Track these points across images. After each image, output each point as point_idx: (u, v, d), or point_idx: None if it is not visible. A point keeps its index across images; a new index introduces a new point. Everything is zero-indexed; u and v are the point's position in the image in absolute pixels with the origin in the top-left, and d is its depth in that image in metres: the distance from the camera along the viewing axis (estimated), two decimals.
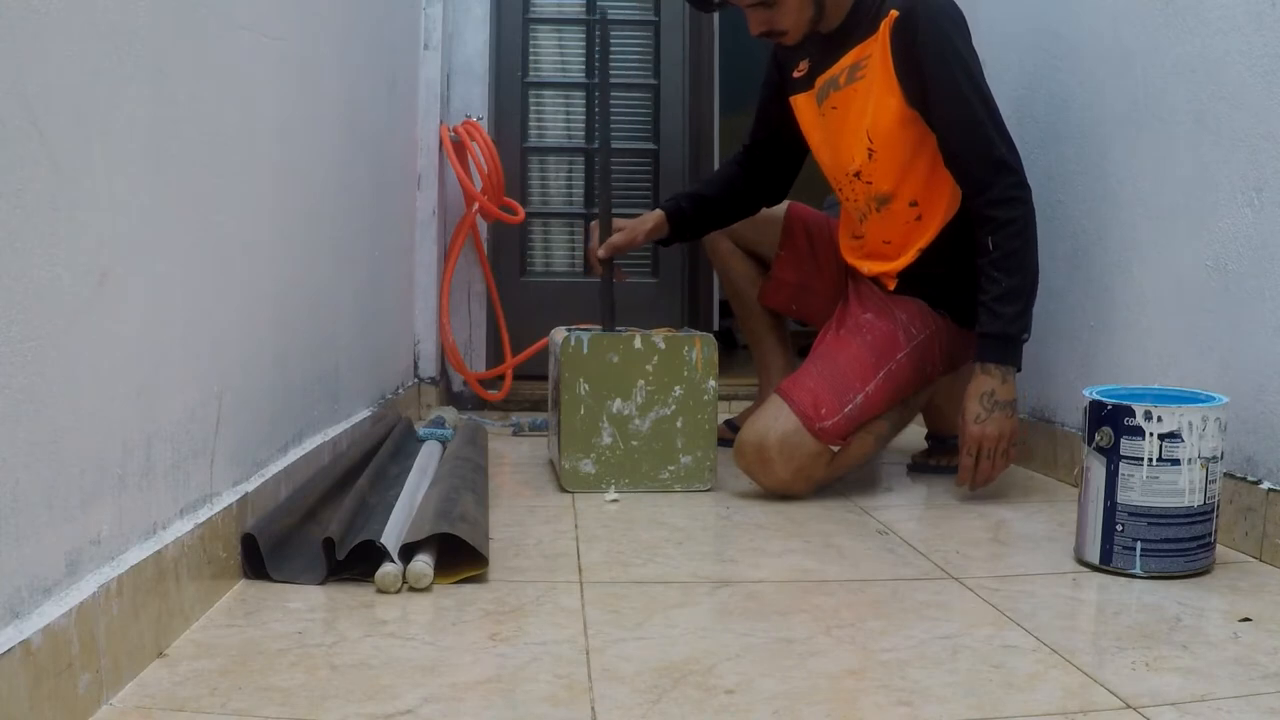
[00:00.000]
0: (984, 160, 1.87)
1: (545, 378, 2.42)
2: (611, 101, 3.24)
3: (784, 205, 2.32)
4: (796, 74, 2.08)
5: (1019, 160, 1.89)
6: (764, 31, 1.95)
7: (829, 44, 1.99)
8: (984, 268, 1.87)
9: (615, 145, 3.23)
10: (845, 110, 1.97)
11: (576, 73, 3.24)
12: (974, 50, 1.90)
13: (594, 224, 2.21)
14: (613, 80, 3.23)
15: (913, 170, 1.95)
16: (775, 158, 2.23)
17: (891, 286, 2.02)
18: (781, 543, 1.65)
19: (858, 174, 2.00)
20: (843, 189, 2.07)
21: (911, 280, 2.01)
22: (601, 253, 2.16)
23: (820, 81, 2.01)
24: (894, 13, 1.87)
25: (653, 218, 2.23)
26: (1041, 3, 2.23)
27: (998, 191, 1.86)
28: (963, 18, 1.90)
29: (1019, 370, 1.88)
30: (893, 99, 1.90)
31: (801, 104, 2.08)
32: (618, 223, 2.20)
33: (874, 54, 1.90)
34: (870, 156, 1.96)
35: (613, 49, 3.24)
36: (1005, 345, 1.86)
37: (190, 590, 1.21)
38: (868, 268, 2.06)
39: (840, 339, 2.00)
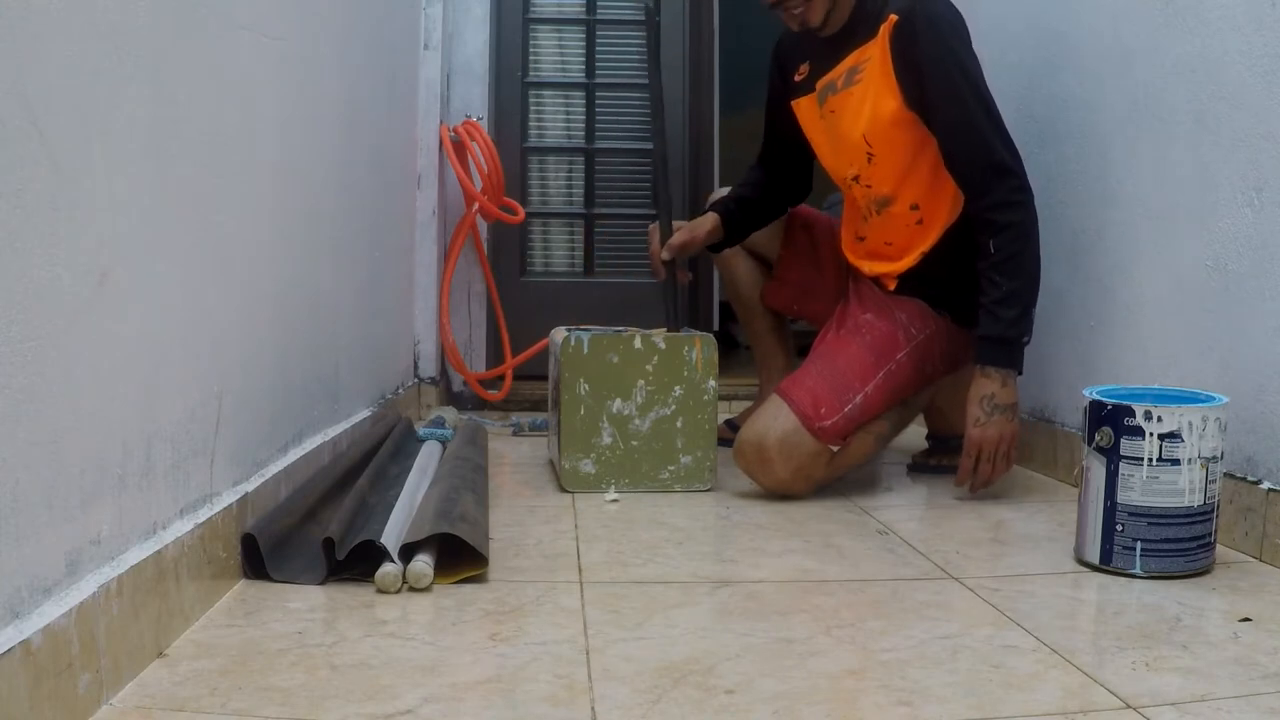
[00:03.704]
0: (984, 164, 1.87)
1: (545, 378, 2.42)
2: (611, 101, 3.25)
3: None
4: (797, 78, 2.08)
5: (1020, 163, 1.89)
6: (777, 1, 1.92)
7: (829, 47, 1.99)
8: (984, 271, 1.87)
9: (614, 145, 3.24)
10: (842, 113, 1.97)
11: (576, 73, 3.24)
12: (974, 53, 1.90)
13: (653, 226, 2.21)
14: (612, 80, 3.24)
15: (914, 173, 1.94)
16: (789, 164, 2.23)
17: (892, 287, 2.02)
18: (781, 543, 1.65)
19: (856, 178, 2.00)
20: (845, 191, 2.07)
21: (912, 281, 2.00)
22: (665, 255, 2.16)
23: (821, 85, 2.01)
24: (893, 16, 1.87)
25: (709, 220, 2.22)
26: (1042, 2, 2.23)
27: (999, 195, 1.86)
28: (962, 21, 1.90)
29: (1020, 373, 1.88)
30: (892, 101, 1.89)
31: (804, 107, 2.08)
32: (676, 224, 2.20)
33: (873, 57, 1.90)
34: (869, 160, 1.96)
35: (613, 49, 3.25)
36: (1005, 348, 1.85)
37: (190, 590, 1.21)
38: (869, 267, 2.06)
39: (840, 339, 2.00)
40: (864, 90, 1.92)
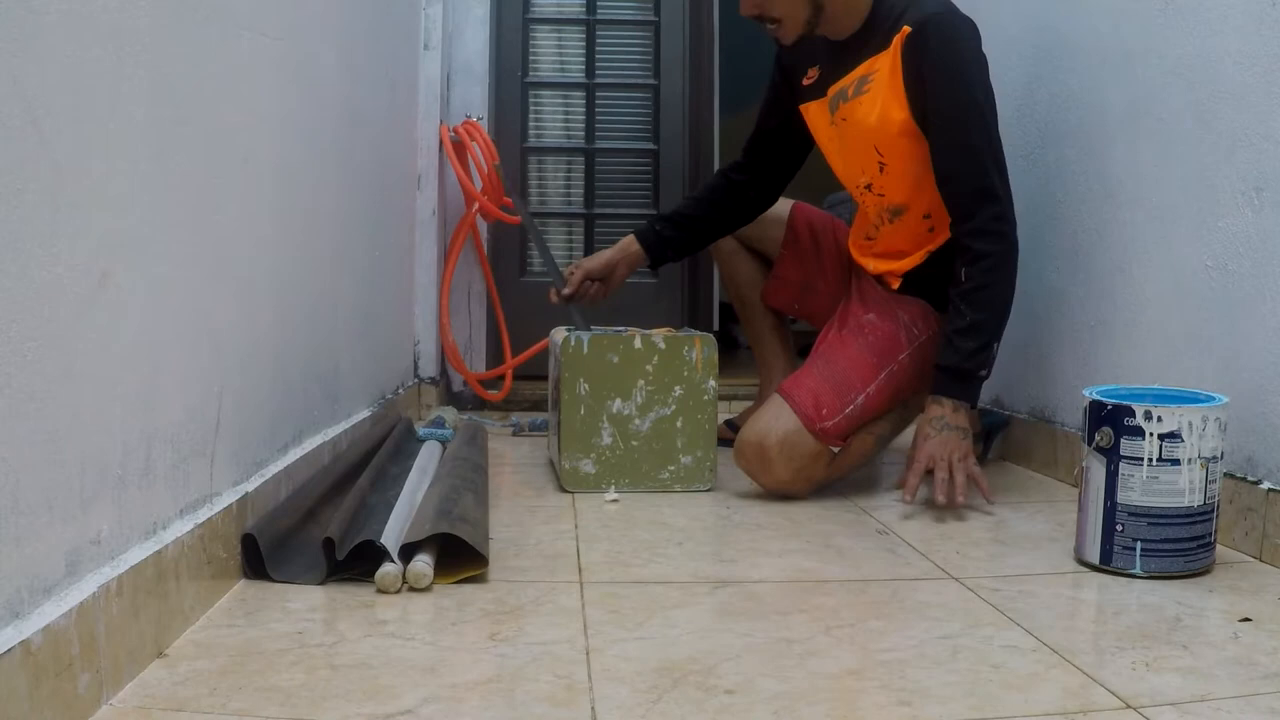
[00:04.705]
0: (973, 188, 1.85)
1: (545, 378, 2.42)
2: (611, 101, 3.25)
3: (788, 204, 2.31)
4: (806, 81, 2.06)
5: (1009, 194, 1.87)
6: (755, 15, 1.91)
7: (841, 54, 1.96)
8: (953, 298, 1.86)
9: (614, 145, 3.24)
10: (853, 122, 1.96)
11: (576, 73, 3.25)
12: (983, 75, 1.87)
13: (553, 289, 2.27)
14: (612, 80, 3.24)
15: (926, 183, 1.93)
16: (774, 161, 2.22)
17: (895, 286, 2.01)
18: (781, 543, 1.65)
19: (869, 186, 2.00)
20: (856, 198, 2.07)
21: (916, 280, 2.00)
22: (567, 291, 2.21)
23: (832, 91, 1.99)
24: (906, 28, 1.85)
25: (613, 248, 2.25)
26: (1042, 2, 2.23)
27: (980, 222, 1.84)
28: (977, 40, 1.87)
29: (974, 408, 1.87)
30: (900, 112, 1.88)
31: (814, 112, 2.06)
32: (568, 269, 2.26)
33: (883, 67, 1.88)
34: (881, 170, 1.95)
35: (613, 49, 3.25)
36: (960, 381, 1.84)
37: (190, 590, 1.21)
38: (874, 265, 2.06)
39: (842, 339, 1.99)
40: (872, 99, 1.90)
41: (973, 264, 1.84)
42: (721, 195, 2.25)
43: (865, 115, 1.92)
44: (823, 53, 2.00)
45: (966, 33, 1.87)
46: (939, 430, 1.83)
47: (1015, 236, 1.87)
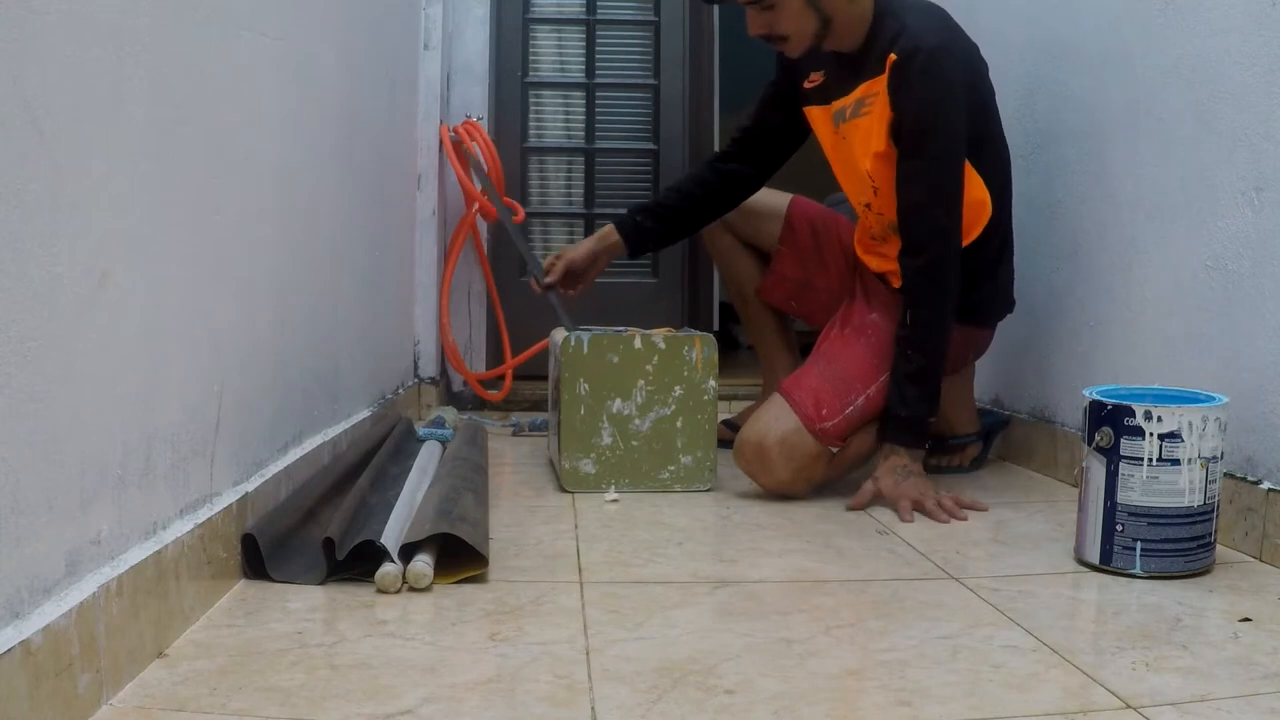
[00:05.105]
0: (927, 226, 1.87)
1: (545, 378, 2.42)
2: (611, 101, 3.25)
3: (785, 199, 2.30)
4: (808, 84, 2.05)
5: (959, 237, 1.88)
6: (763, 35, 1.91)
7: (845, 68, 1.95)
8: (900, 340, 1.89)
9: (614, 145, 3.24)
10: (851, 143, 1.96)
11: (576, 73, 3.25)
12: (960, 107, 1.86)
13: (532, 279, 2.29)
14: (613, 80, 3.24)
15: None
16: (769, 153, 2.21)
17: (897, 285, 2.01)
18: (781, 543, 1.65)
19: (868, 205, 2.00)
20: (859, 211, 2.07)
21: None
22: (549, 280, 2.23)
23: (836, 106, 1.99)
24: (892, 55, 1.83)
25: (593, 238, 2.27)
26: (1043, 2, 2.23)
27: (925, 261, 1.87)
28: (962, 69, 1.87)
29: (924, 450, 1.91)
30: (883, 141, 1.88)
31: (818, 119, 2.06)
32: (550, 260, 2.26)
33: (880, 93, 1.87)
34: (875, 192, 1.95)
35: (613, 49, 3.25)
36: (912, 428, 1.88)
37: (190, 590, 1.21)
38: (876, 264, 2.05)
39: (844, 338, 1.99)
40: (869, 125, 1.90)
41: (915, 305, 1.88)
42: (705, 188, 2.24)
43: (864, 140, 1.92)
44: (827, 59, 1.99)
45: (950, 67, 1.85)
46: (905, 477, 1.86)
47: (954, 275, 1.88)
